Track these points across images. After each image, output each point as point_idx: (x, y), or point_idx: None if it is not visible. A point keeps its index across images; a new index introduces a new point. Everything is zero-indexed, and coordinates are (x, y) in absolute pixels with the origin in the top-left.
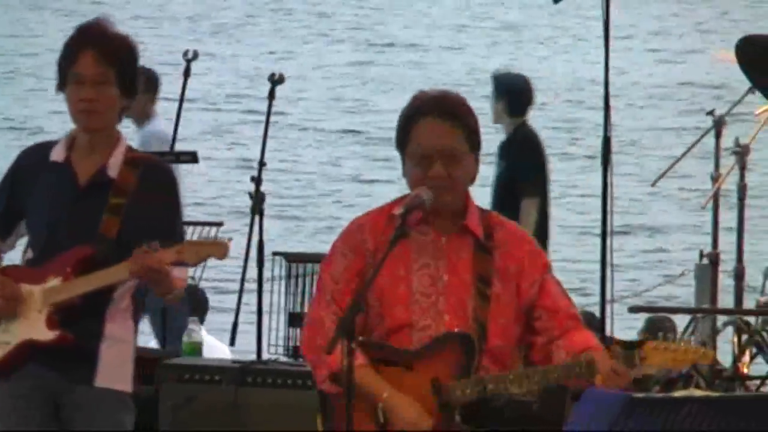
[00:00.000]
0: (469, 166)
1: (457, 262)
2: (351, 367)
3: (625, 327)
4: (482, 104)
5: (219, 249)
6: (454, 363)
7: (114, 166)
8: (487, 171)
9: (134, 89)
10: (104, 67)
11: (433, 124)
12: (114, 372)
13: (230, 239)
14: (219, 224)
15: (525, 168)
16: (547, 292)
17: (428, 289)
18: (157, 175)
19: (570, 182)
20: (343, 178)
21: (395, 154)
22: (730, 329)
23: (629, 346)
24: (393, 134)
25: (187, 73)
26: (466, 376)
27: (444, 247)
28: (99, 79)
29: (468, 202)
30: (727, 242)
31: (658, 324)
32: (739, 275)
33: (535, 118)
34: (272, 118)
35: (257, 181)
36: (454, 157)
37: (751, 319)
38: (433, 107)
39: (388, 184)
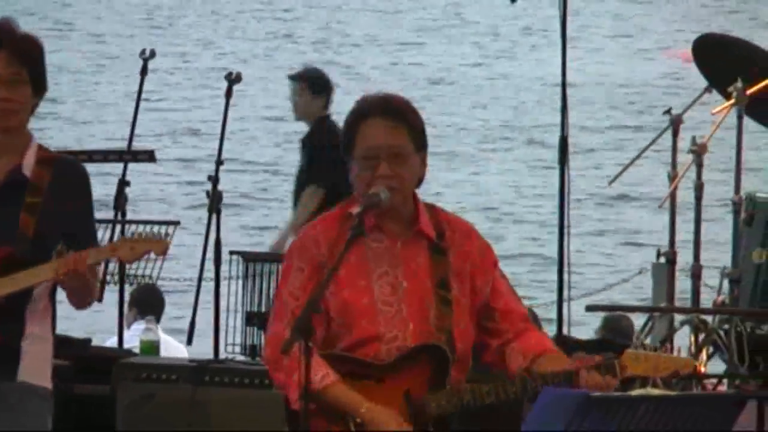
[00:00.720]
0: (416, 166)
1: (414, 267)
2: (308, 366)
3: (579, 325)
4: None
5: (157, 245)
6: (427, 375)
7: (28, 165)
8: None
9: (44, 87)
10: (17, 67)
11: (377, 124)
12: (36, 369)
13: (169, 236)
14: (176, 223)
15: (317, 158)
16: (498, 292)
17: (389, 297)
18: (70, 172)
19: None
20: None
21: None
22: (687, 328)
23: (608, 357)
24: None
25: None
26: (440, 388)
27: (400, 253)
28: (13, 79)
29: (417, 203)
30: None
31: (614, 323)
32: (696, 274)
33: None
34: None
35: (214, 179)
36: (400, 156)
37: (708, 318)
38: (376, 108)
39: None
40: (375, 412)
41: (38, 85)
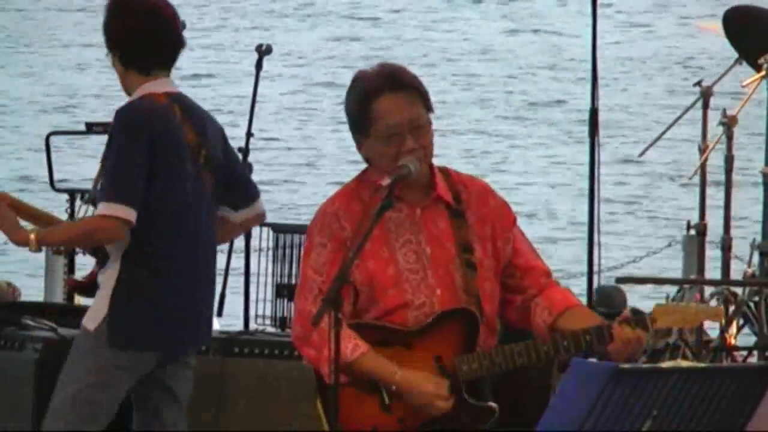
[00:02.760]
0: (432, 134)
1: (436, 232)
2: (338, 337)
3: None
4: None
5: None
6: (457, 339)
7: None
8: None
9: None
10: None
11: (392, 101)
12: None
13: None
14: None
15: None
16: (519, 249)
17: (414, 265)
18: None
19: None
20: None
21: None
22: (717, 300)
23: (637, 311)
24: None
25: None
26: (470, 351)
27: (420, 220)
28: None
29: (432, 168)
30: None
31: (607, 295)
32: (726, 246)
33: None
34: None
35: (244, 152)
36: (421, 127)
37: (738, 290)
38: (384, 83)
39: None
40: (410, 376)
41: None
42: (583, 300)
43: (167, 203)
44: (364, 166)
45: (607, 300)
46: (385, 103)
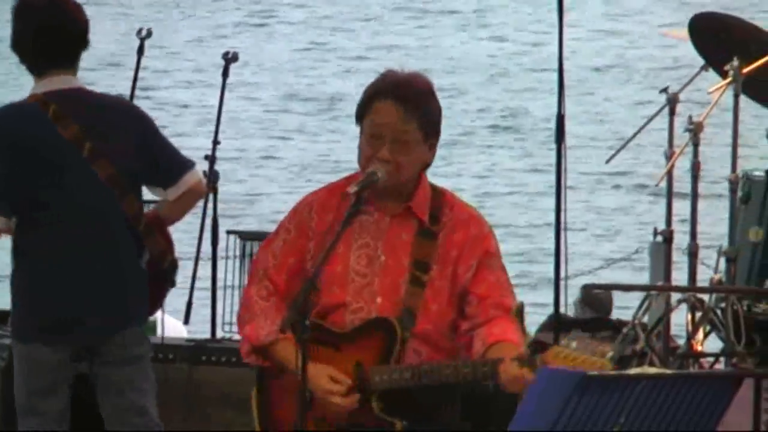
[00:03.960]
0: (420, 154)
1: (397, 243)
2: (305, 347)
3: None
4: None
5: None
6: (378, 349)
7: None
8: None
9: None
10: None
11: (389, 107)
12: None
13: None
14: None
15: None
16: (481, 279)
17: (364, 269)
18: None
19: None
20: None
21: None
22: (684, 307)
23: (533, 351)
24: None
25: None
26: (385, 362)
27: (386, 227)
28: None
29: (419, 184)
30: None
31: (593, 297)
32: (693, 253)
33: None
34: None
35: (211, 158)
36: (404, 144)
37: (705, 297)
38: (394, 90)
39: None
40: (310, 368)
41: None
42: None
43: (47, 198)
44: (336, 176)
45: (595, 302)
46: (382, 105)
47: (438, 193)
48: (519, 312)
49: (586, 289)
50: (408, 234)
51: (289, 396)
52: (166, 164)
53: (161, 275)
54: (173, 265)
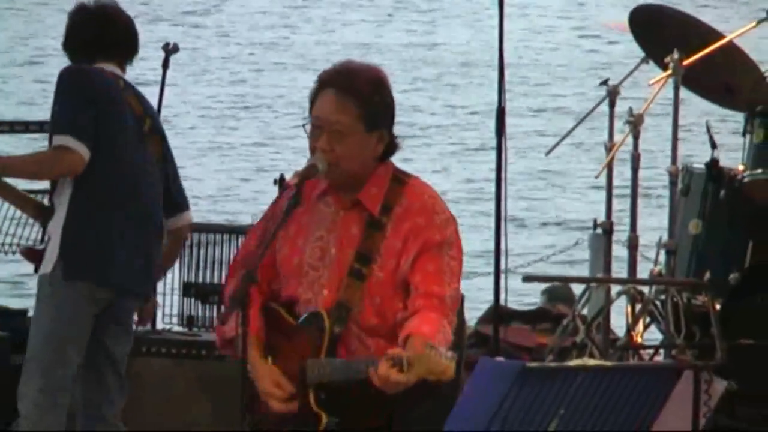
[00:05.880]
0: (362, 146)
1: (347, 236)
2: (245, 338)
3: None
4: None
5: None
6: (312, 342)
7: None
8: None
9: None
10: None
11: (329, 97)
12: None
13: None
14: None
15: None
16: (420, 270)
17: (317, 262)
18: None
19: None
20: None
21: None
22: (624, 299)
23: (398, 355)
24: None
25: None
26: (315, 356)
27: (339, 220)
28: None
29: (372, 175)
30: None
31: (556, 291)
32: (632, 245)
33: None
34: None
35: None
36: (339, 134)
37: (645, 289)
38: (335, 80)
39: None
40: (255, 369)
41: None
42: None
43: (110, 148)
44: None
45: (557, 296)
46: (324, 95)
47: (400, 183)
48: (453, 303)
49: (529, 280)
50: (357, 226)
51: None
52: (177, 190)
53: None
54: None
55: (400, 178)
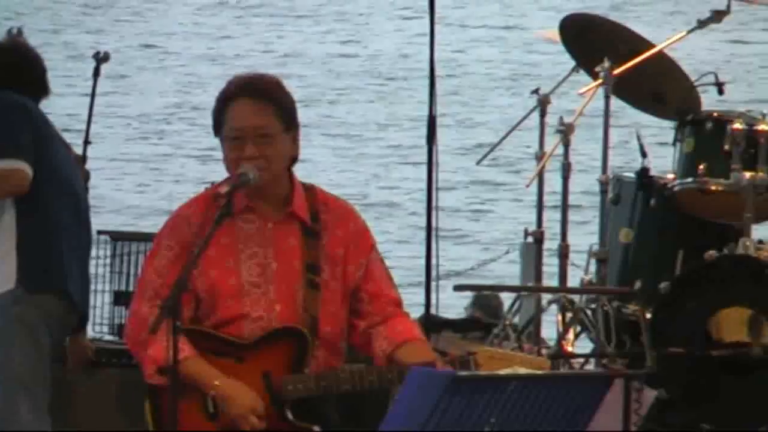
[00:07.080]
0: (285, 146)
1: (285, 248)
2: (176, 347)
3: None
4: None
5: None
6: (286, 358)
7: None
8: None
9: None
10: None
11: (243, 105)
12: None
13: None
14: None
15: None
16: (371, 275)
17: (257, 279)
18: None
19: None
20: None
21: None
22: (554, 307)
23: (465, 354)
24: None
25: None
26: (298, 371)
27: (271, 234)
28: None
29: (293, 183)
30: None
31: (484, 301)
32: (563, 254)
33: None
34: None
35: (82, 159)
36: (266, 137)
37: (576, 298)
38: (244, 89)
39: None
40: (229, 385)
41: None
42: (421, 308)
43: (48, 162)
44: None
45: (484, 306)
46: (236, 107)
47: (310, 191)
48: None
49: (460, 289)
50: (294, 237)
51: (182, 406)
52: None
53: None
54: None
55: (307, 185)
